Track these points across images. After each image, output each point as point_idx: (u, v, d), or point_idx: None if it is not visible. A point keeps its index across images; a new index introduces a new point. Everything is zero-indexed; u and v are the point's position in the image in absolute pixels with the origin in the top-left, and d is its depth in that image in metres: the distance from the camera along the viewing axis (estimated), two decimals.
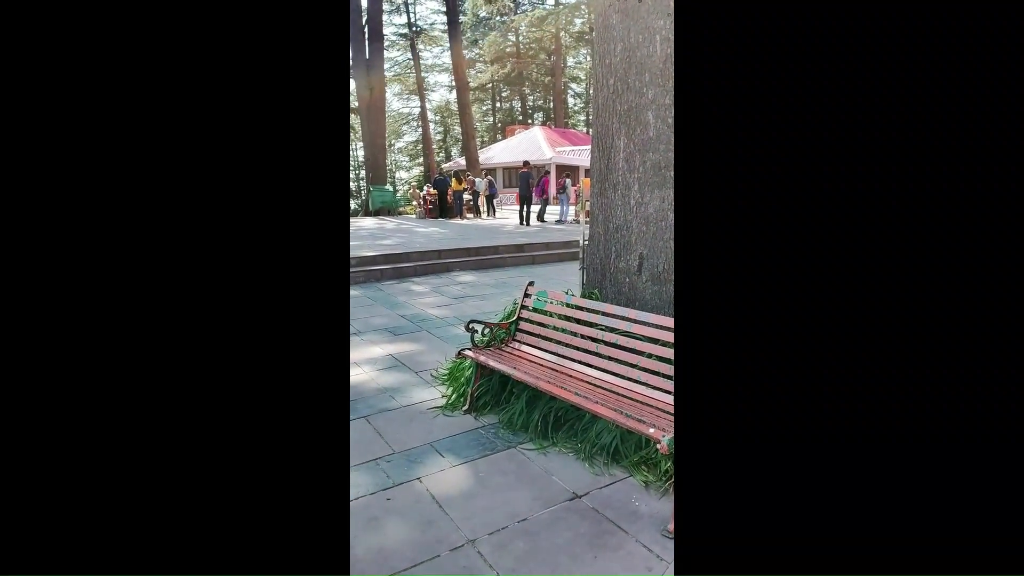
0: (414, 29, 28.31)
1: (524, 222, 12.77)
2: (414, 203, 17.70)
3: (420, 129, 29.65)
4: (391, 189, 19.75)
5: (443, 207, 15.09)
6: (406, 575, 1.74)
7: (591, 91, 3.26)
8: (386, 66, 25.93)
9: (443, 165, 20.58)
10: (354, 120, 23.26)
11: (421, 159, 30.53)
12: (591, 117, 3.33)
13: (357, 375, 3.58)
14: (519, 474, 2.35)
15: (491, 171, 20.65)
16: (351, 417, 2.92)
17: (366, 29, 18.98)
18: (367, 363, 3.82)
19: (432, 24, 30.92)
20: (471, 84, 28.18)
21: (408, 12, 28.43)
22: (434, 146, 30.26)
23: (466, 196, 15.68)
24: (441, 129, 38.51)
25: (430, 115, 32.71)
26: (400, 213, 17.87)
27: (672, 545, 1.89)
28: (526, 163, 14.12)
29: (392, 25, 28.94)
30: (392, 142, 37.29)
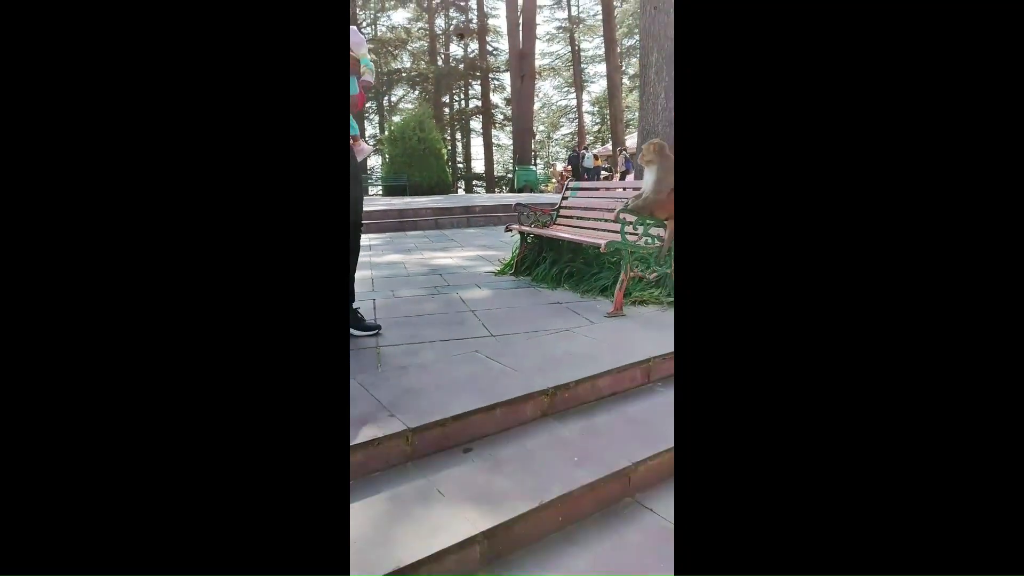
0: (573, 20, 29.40)
1: None
2: (553, 180, 18.82)
3: (576, 120, 30.82)
4: (534, 168, 21.14)
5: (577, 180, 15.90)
6: (424, 317, 2.71)
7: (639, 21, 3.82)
8: (547, 60, 27.80)
9: (591, 148, 21.50)
10: (506, 107, 25.58)
11: None
12: (639, 41, 3.89)
13: (446, 262, 4.69)
14: (527, 296, 3.17)
15: (633, 153, 20.73)
16: (432, 277, 4.00)
17: (520, 20, 20.48)
18: (458, 258, 4.91)
19: (593, 15, 31.58)
20: (625, 68, 28.23)
21: (568, 6, 29.59)
22: (588, 136, 31.08)
23: (603, 173, 16.26)
24: (599, 120, 39.08)
25: (589, 107, 33.64)
26: (542, 191, 19.13)
27: (603, 320, 2.55)
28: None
29: (555, 20, 30.37)
30: (550, 134, 39.10)
